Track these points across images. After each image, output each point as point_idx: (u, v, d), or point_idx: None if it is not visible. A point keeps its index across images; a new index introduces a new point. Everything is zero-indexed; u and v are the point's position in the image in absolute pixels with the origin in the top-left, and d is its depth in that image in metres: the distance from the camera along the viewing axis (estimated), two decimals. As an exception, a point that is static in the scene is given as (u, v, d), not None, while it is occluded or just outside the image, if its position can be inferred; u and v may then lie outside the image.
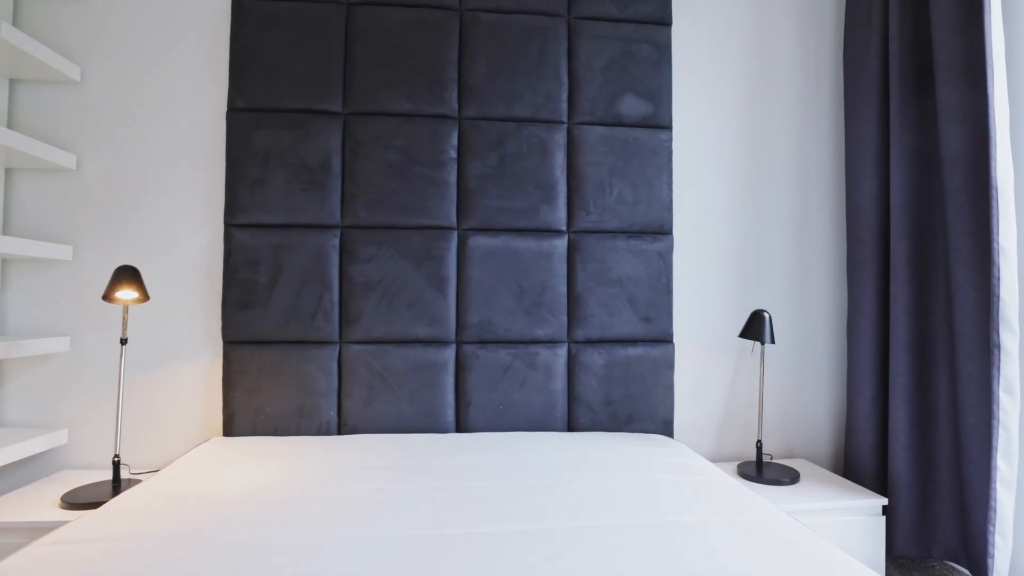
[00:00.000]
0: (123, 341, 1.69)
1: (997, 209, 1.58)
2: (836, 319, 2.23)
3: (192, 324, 1.92)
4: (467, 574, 0.99)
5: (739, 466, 1.98)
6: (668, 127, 2.09)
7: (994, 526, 1.56)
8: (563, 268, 2.00)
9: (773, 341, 1.93)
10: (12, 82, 1.90)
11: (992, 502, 1.56)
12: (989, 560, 1.56)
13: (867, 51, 2.05)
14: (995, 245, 1.58)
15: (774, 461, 2.09)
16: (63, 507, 1.54)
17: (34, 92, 1.91)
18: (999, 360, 1.57)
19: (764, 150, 2.22)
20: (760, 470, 1.92)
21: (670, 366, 2.04)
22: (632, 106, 2.08)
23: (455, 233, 1.96)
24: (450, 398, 1.93)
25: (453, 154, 1.97)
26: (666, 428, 2.03)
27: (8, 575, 0.97)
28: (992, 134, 1.59)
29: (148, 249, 1.93)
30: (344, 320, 1.90)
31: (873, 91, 2.01)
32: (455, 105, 1.99)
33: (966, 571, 1.80)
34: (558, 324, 1.99)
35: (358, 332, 1.90)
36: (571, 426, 1.99)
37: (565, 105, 2.05)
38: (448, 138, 1.97)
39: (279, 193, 1.89)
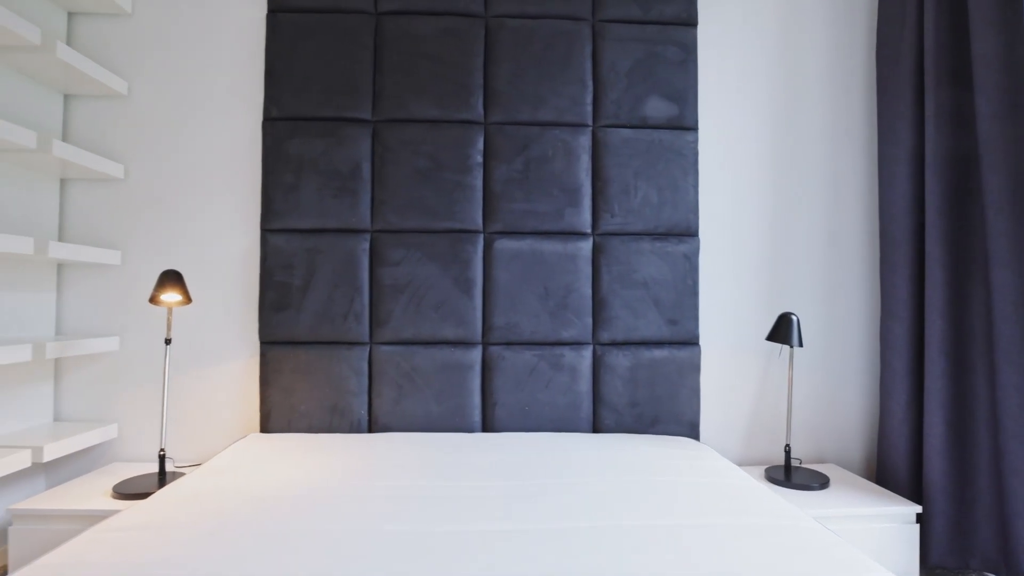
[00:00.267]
0: (167, 341, 1.79)
1: (1038, 209, 1.53)
2: (868, 322, 2.18)
3: (231, 325, 2.01)
4: (491, 570, 1.02)
5: (767, 470, 1.96)
6: (694, 128, 2.08)
7: (1035, 536, 1.51)
8: (588, 270, 2.02)
9: (801, 344, 1.90)
10: (66, 97, 2.02)
11: (1033, 512, 1.52)
12: (1029, 571, 1.51)
13: (901, 46, 2.00)
14: (1036, 246, 1.52)
15: (803, 466, 2.06)
16: (114, 497, 1.64)
17: (85, 106, 2.03)
18: (1040, 365, 1.51)
19: (793, 149, 2.19)
20: (788, 474, 1.90)
21: (696, 368, 2.03)
22: (657, 108, 2.07)
23: (481, 236, 2.00)
24: (476, 398, 1.97)
25: (479, 159, 2.01)
26: (692, 431, 2.02)
27: (68, 558, 1.05)
28: (1033, 131, 1.54)
29: (190, 253, 2.02)
30: (374, 322, 1.96)
31: (907, 87, 1.96)
32: (481, 110, 2.03)
33: (1006, 582, 1.74)
34: (583, 326, 2.01)
35: (387, 333, 1.96)
36: (596, 427, 2.01)
37: (590, 108, 2.06)
38: (474, 143, 2.01)
39: (312, 199, 1.96)
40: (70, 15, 2.03)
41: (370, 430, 1.96)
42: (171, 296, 1.69)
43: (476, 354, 1.98)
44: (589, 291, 2.02)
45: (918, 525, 1.74)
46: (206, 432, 2.01)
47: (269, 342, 1.95)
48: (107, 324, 2.01)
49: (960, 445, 1.78)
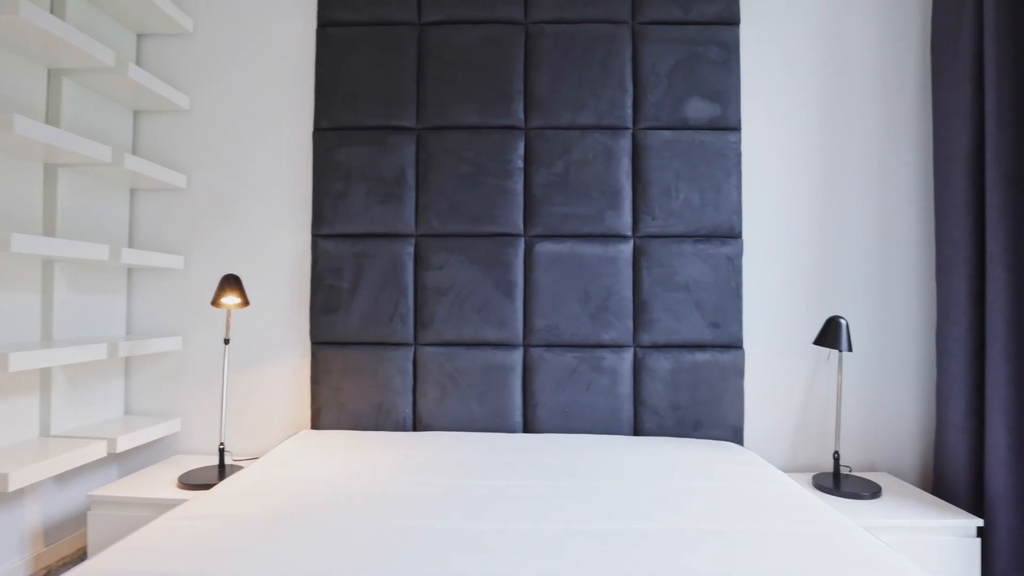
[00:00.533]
0: (226, 341, 1.89)
1: (1113, 207, 1.44)
2: (922, 325, 2.09)
3: (284, 326, 2.11)
4: (534, 568, 1.04)
5: (814, 477, 1.91)
6: (736, 128, 2.06)
7: (1110, 554, 1.43)
8: (628, 273, 2.02)
9: (851, 349, 1.85)
10: (135, 113, 2.17)
11: (1107, 528, 1.43)
12: (1104, 591, 1.43)
13: (958, 36, 1.91)
14: (1110, 246, 1.44)
15: (853, 474, 2.00)
16: (179, 487, 1.75)
17: (152, 121, 2.17)
18: (1115, 372, 1.43)
19: (842, 147, 2.13)
20: (837, 482, 1.85)
21: (740, 372, 2.00)
22: (698, 109, 2.06)
23: (522, 240, 2.03)
24: (517, 399, 2.00)
25: (520, 163, 2.04)
26: (735, 435, 1.99)
27: (144, 542, 1.13)
28: (1106, 125, 1.45)
29: (246, 258, 2.14)
30: (418, 323, 2.02)
31: (965, 80, 1.87)
32: (521, 116, 2.06)
33: (1078, 602, 1.64)
34: (623, 328, 2.01)
35: (431, 335, 2.01)
36: (637, 430, 2.01)
37: (630, 111, 2.06)
38: (515, 148, 2.04)
39: (359, 205, 2.04)
40: (139, 37, 2.18)
41: (414, 428, 2.01)
42: (231, 299, 1.79)
43: (517, 356, 2.01)
44: (630, 293, 2.02)
45: (979, 539, 1.67)
46: (261, 427, 2.11)
47: (319, 342, 2.03)
48: (171, 324, 2.14)
49: (1025, 455, 1.69)
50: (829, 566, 1.05)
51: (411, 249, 2.03)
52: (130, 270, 2.15)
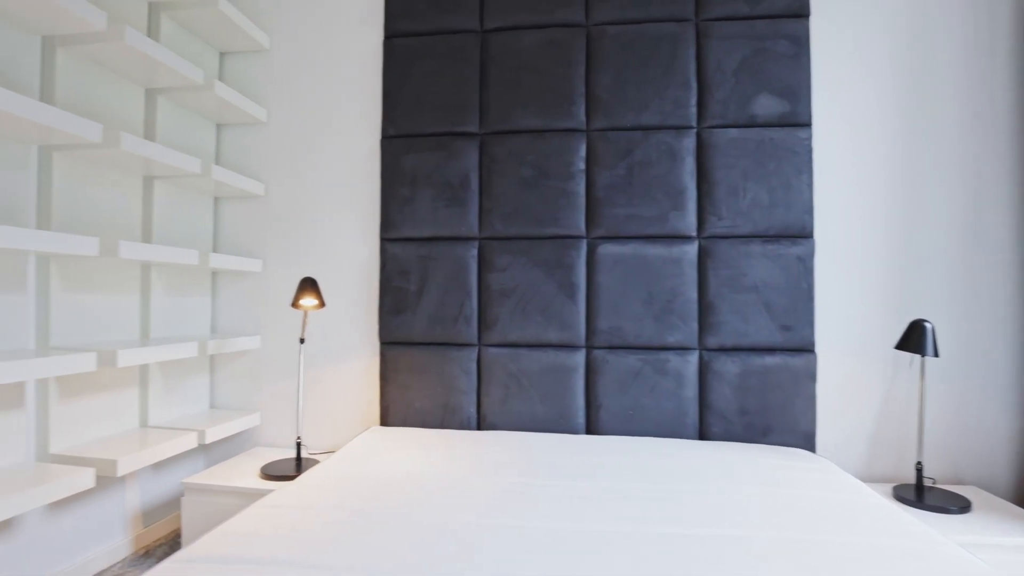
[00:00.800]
0: (302, 340, 2.00)
1: None
2: (1016, 330, 1.95)
3: (354, 326, 2.21)
4: (607, 570, 1.05)
5: (894, 488, 1.82)
6: (807, 124, 1.99)
7: None
8: (694, 274, 1.99)
9: (936, 354, 1.75)
10: (218, 126, 2.32)
11: None
12: None
13: (1060, 21, 1.78)
14: None
15: (937, 486, 1.89)
16: (262, 477, 1.86)
17: (233, 133, 2.32)
18: None
19: (924, 142, 2.01)
20: (920, 495, 1.76)
21: (812, 377, 1.94)
22: (767, 105, 2.00)
23: (584, 242, 2.04)
24: (580, 401, 2.01)
25: (582, 165, 2.05)
26: (807, 442, 1.93)
27: (240, 527, 1.22)
28: None
29: (319, 261, 2.24)
30: (482, 324, 2.06)
31: (1068, 67, 1.74)
32: (583, 118, 2.07)
33: None
34: (689, 331, 1.98)
35: (495, 336, 2.05)
36: (703, 434, 1.97)
37: (694, 110, 2.03)
38: (577, 150, 2.05)
39: (425, 209, 2.10)
40: (221, 55, 2.33)
41: (479, 427, 2.06)
42: (309, 300, 1.89)
43: (580, 357, 2.02)
44: (695, 295, 1.99)
45: (1085, 560, 1.54)
46: (333, 422, 2.21)
47: (388, 342, 2.11)
48: (251, 324, 2.28)
49: None
50: (922, 582, 1.00)
51: (475, 252, 2.08)
52: (214, 273, 2.30)
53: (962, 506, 1.68)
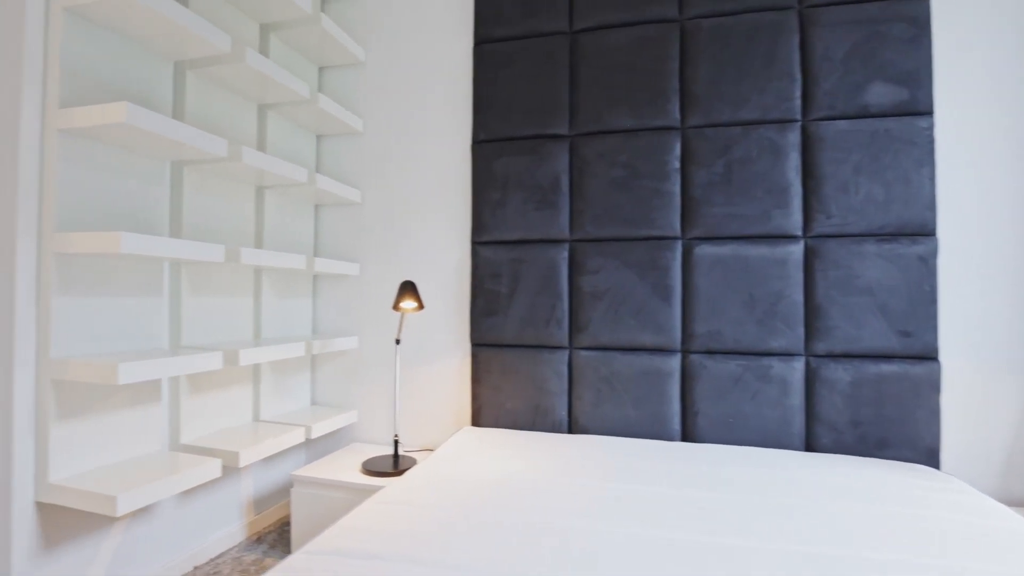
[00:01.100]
0: (397, 341, 2.06)
1: None
2: None
3: (446, 328, 2.26)
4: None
5: (1039, 512, 1.64)
6: (928, 113, 1.83)
7: None
8: (799, 276, 1.88)
9: (1093, 363, 1.56)
10: (318, 137, 2.44)
11: None
12: None
13: None
14: None
15: (1092, 512, 1.68)
16: (363, 472, 1.94)
17: (331, 143, 2.43)
18: None
19: (1070, 127, 1.80)
20: (1073, 521, 1.57)
21: (935, 387, 1.78)
22: (881, 94, 1.86)
23: (679, 243, 1.98)
24: (676, 406, 1.95)
25: (676, 164, 1.99)
26: (930, 458, 1.77)
27: (359, 522, 1.28)
28: None
29: (412, 264, 2.31)
30: (574, 327, 2.05)
31: None
32: (677, 116, 2.01)
33: None
34: (794, 336, 1.88)
35: (586, 339, 2.03)
36: (810, 446, 1.86)
37: (798, 102, 1.92)
38: (671, 149, 2.00)
39: (516, 212, 2.12)
40: (320, 69, 2.45)
41: (570, 431, 2.05)
42: (408, 303, 1.95)
43: (675, 361, 1.96)
44: (801, 298, 1.88)
45: None
46: (426, 421, 2.27)
47: (479, 344, 2.14)
48: (348, 325, 2.38)
49: None
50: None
51: (566, 254, 2.07)
52: (315, 276, 2.42)
53: None
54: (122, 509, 1.34)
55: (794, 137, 1.91)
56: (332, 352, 2.39)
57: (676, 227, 1.98)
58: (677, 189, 1.99)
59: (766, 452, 1.81)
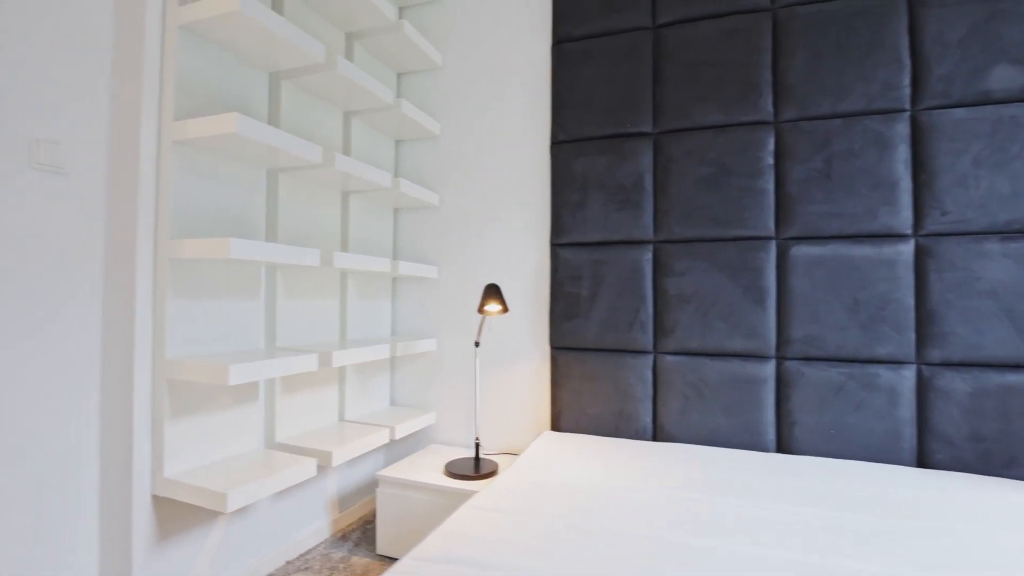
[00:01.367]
0: (477, 344, 2.06)
1: None
2: None
3: (525, 331, 2.24)
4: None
5: None
6: (1062, 96, 1.66)
7: None
8: (910, 277, 1.75)
9: None
10: (396, 142, 2.48)
11: None
12: None
13: None
14: None
15: None
16: (446, 474, 1.95)
17: (410, 147, 2.47)
18: None
19: None
20: None
21: (1074, 400, 1.61)
22: (1005, 78, 1.70)
23: (773, 243, 1.88)
24: (770, 415, 1.86)
25: (770, 160, 1.89)
26: (1067, 479, 1.60)
27: (457, 527, 1.27)
28: None
29: (491, 267, 2.31)
30: (658, 331, 1.99)
31: None
32: (770, 110, 1.91)
33: None
34: (904, 342, 1.74)
35: (672, 343, 1.96)
36: (922, 462, 1.72)
37: (907, 91, 1.79)
38: (764, 145, 1.90)
39: (597, 213, 2.07)
40: (398, 75, 2.49)
41: (654, 438, 1.98)
42: (493, 306, 1.94)
43: (769, 368, 1.86)
44: (911, 301, 1.74)
45: None
46: (505, 424, 2.26)
47: (559, 347, 2.11)
48: (426, 327, 2.41)
49: None
50: None
51: (650, 255, 2.01)
52: (394, 279, 2.47)
53: None
54: (231, 506, 1.39)
55: (903, 128, 1.78)
56: (411, 354, 2.42)
57: (770, 226, 1.88)
58: (771, 187, 1.89)
59: (873, 467, 1.69)
